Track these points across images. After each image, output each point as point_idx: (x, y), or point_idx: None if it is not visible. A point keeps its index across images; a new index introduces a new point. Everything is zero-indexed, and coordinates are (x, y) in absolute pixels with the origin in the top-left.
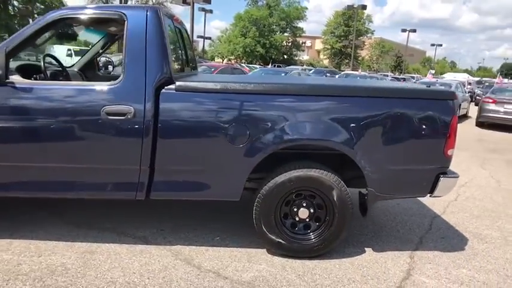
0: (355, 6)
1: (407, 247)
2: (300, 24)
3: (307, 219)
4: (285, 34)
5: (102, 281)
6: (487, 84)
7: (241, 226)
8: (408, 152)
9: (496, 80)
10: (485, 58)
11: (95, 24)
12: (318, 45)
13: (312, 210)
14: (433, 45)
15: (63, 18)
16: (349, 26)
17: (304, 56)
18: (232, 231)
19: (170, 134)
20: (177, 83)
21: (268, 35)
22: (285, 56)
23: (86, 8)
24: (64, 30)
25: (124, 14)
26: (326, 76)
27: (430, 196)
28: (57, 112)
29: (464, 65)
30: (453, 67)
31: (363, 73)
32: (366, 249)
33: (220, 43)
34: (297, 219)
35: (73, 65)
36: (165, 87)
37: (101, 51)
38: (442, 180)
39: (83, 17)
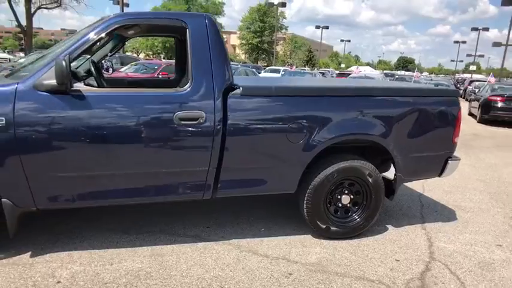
0: (275, 3)
1: (416, 221)
2: (218, 20)
3: (348, 205)
4: None
5: (190, 278)
6: (397, 76)
7: (275, 216)
8: (427, 141)
9: (414, 74)
10: (383, 52)
11: (152, 30)
12: (233, 40)
13: (351, 196)
14: (342, 40)
15: (125, 24)
16: (264, 21)
17: None
18: (270, 222)
19: (237, 135)
20: (242, 88)
21: None
22: None
23: (147, 14)
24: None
25: (185, 21)
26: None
27: (439, 177)
28: (130, 119)
29: (365, 58)
30: (357, 61)
31: (295, 69)
32: (387, 226)
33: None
34: (340, 205)
35: (77, 67)
36: (231, 92)
37: (109, 54)
38: (450, 163)
39: (144, 23)
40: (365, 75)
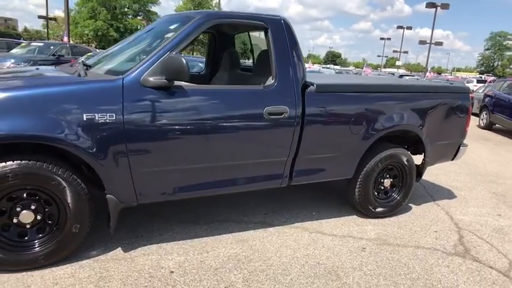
0: None
1: (428, 199)
2: (154, 9)
3: (388, 187)
4: (139, 18)
5: (287, 258)
6: (337, 71)
7: (316, 201)
8: (448, 130)
9: (364, 69)
10: (313, 46)
11: (236, 29)
12: None
13: (391, 180)
14: None
15: (219, 23)
16: None
17: None
18: (316, 206)
19: (311, 128)
20: (316, 85)
21: (121, 18)
22: None
23: (236, 14)
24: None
25: (265, 22)
26: None
27: (451, 160)
28: (227, 114)
29: None
30: None
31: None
32: (410, 205)
33: (60, 25)
34: (382, 188)
35: None
36: (307, 89)
37: None
38: (461, 149)
39: (234, 22)
40: (319, 69)
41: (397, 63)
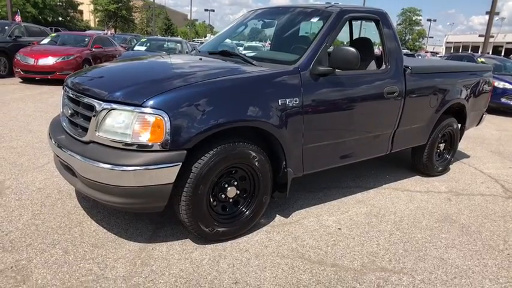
0: None
1: (454, 159)
2: None
3: (442, 150)
4: None
5: (408, 211)
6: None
7: (380, 167)
8: (479, 101)
9: None
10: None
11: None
12: (83, 6)
13: (444, 144)
14: (206, 10)
15: (352, 17)
16: None
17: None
18: (385, 171)
19: (408, 104)
20: (412, 67)
21: None
22: (61, 18)
23: (360, 8)
24: None
25: (377, 15)
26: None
27: (476, 126)
28: (366, 94)
29: (216, 27)
30: (212, 30)
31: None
32: None
33: None
34: (438, 151)
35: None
36: (406, 71)
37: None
38: (484, 117)
39: (357, 15)
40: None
41: None
